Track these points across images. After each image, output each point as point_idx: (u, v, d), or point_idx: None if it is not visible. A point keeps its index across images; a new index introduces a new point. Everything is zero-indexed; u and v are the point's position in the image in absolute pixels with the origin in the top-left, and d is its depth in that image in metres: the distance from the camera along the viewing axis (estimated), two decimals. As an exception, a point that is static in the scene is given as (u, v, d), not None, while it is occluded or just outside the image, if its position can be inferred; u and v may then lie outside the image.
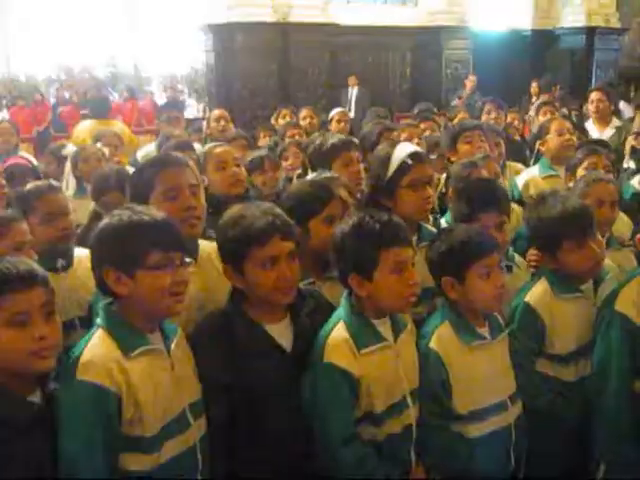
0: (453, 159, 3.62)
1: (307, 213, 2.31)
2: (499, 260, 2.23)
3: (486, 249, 2.17)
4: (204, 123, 5.71)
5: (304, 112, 6.12)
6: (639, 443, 2.28)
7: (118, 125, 6.76)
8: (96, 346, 1.75)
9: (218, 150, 3.13)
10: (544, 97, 8.74)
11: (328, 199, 2.35)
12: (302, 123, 6.03)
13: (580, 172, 3.32)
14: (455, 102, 9.51)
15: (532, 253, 2.71)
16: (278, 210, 2.02)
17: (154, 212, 1.86)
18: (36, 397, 1.74)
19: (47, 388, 1.77)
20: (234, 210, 2.01)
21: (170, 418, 1.80)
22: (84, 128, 6.53)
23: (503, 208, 2.54)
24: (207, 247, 2.25)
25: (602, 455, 2.38)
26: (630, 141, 4.70)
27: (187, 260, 1.88)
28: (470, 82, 10.39)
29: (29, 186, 2.78)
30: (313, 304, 2.09)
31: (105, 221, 1.83)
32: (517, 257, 2.73)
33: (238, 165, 3.12)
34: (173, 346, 1.87)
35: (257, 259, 1.92)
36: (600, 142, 4.20)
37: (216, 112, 5.74)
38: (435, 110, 6.53)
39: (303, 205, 2.32)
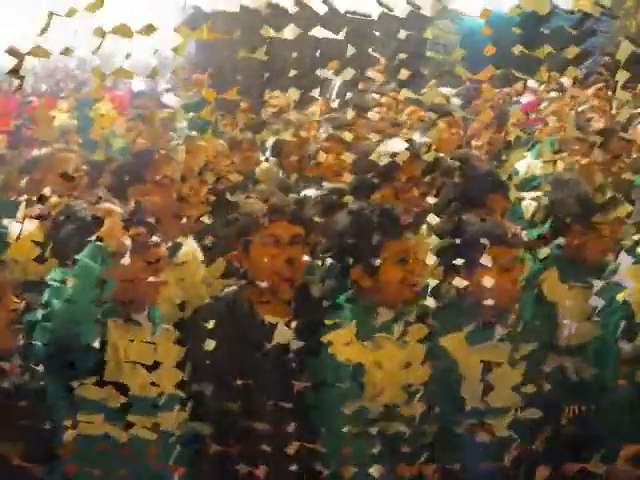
0: None
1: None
2: (513, 253, 2.12)
3: (494, 240, 2.06)
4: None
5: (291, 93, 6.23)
6: None
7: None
8: None
9: None
10: None
11: None
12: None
13: None
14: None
15: None
16: (290, 195, 2.06)
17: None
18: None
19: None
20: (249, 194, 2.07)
21: (143, 393, 1.79)
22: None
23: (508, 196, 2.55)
24: (190, 246, 2.31)
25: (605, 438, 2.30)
26: None
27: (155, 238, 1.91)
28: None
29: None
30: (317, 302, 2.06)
31: None
32: None
33: None
34: (159, 331, 1.96)
35: (260, 240, 1.92)
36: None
37: None
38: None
39: None
